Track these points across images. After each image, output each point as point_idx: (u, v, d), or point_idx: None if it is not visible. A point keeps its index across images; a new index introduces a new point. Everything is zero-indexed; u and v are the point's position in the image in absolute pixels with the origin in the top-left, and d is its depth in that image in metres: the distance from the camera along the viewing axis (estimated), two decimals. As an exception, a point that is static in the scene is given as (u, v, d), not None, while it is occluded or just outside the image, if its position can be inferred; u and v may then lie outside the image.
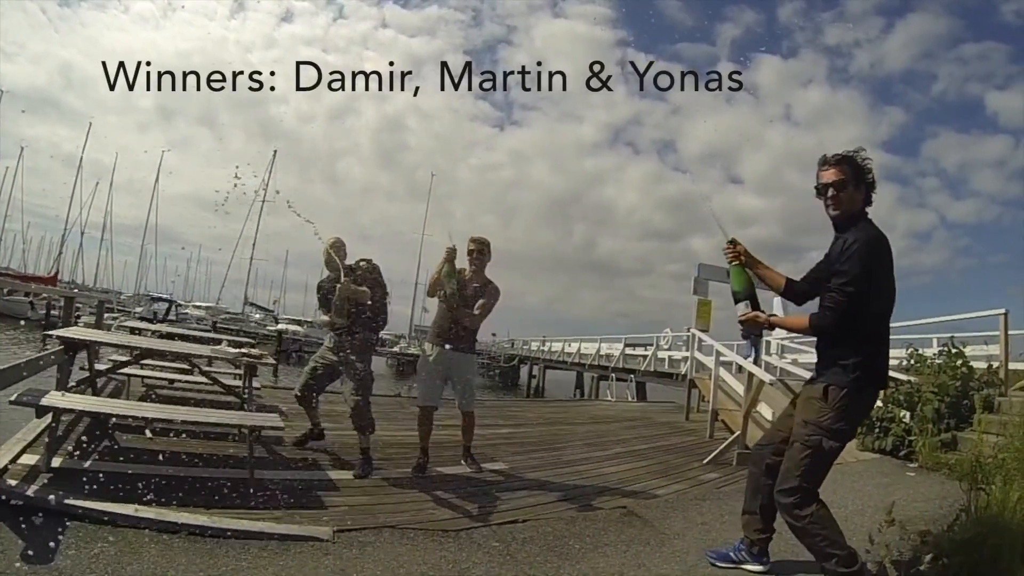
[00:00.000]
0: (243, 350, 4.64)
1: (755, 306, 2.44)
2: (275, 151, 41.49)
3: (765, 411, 5.98)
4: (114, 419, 3.65)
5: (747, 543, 2.63)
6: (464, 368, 4.17)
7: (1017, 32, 46.98)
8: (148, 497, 2.78)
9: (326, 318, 4.20)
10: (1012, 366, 6.47)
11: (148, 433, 3.90)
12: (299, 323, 35.34)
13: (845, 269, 2.21)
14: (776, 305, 12.66)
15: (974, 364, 5.94)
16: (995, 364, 6.42)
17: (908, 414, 5.32)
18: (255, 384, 4.86)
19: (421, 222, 43.58)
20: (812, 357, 8.93)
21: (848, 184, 2.34)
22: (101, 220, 40.40)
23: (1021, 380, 6.68)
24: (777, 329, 13.41)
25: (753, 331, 2.71)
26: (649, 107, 73.23)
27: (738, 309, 2.44)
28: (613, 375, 17.84)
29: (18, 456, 3.09)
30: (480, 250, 4.19)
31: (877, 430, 5.45)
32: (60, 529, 2.39)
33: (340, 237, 4.15)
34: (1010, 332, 6.98)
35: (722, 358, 7.45)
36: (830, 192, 2.36)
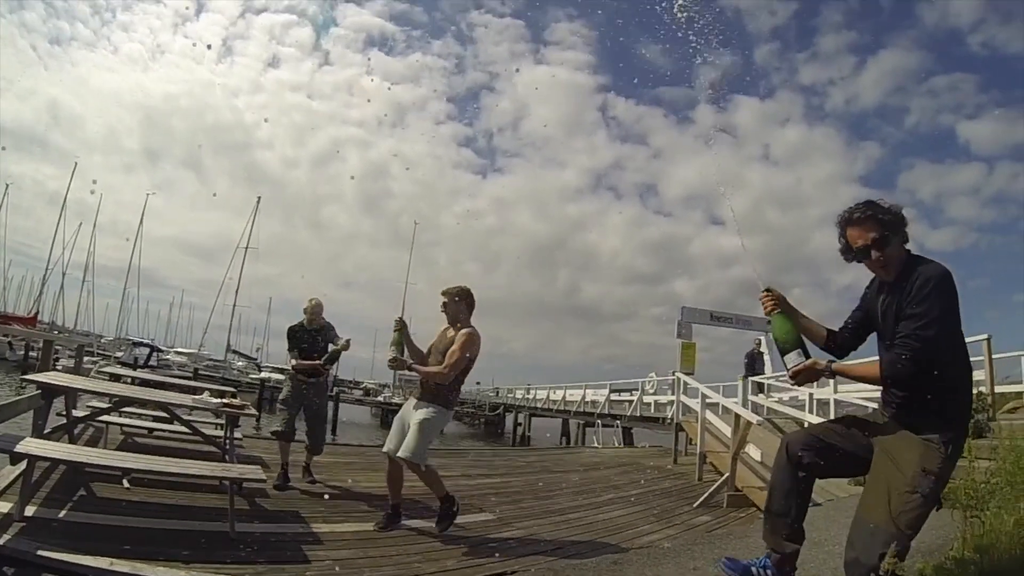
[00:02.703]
0: (225, 400, 4.55)
1: (807, 354, 2.13)
2: (259, 197, 41.86)
3: (754, 452, 5.96)
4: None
5: (775, 559, 2.21)
6: (416, 414, 3.70)
7: (984, 62, 49.47)
8: (124, 550, 2.68)
9: (306, 363, 4.84)
10: (998, 389, 6.56)
11: (125, 483, 3.77)
12: (282, 371, 34.63)
13: (919, 312, 1.94)
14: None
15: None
16: (982, 389, 6.51)
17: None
18: (236, 434, 4.76)
19: (404, 269, 43.56)
20: (802, 396, 8.96)
21: (890, 237, 2.06)
22: (84, 260, 39.43)
23: (1008, 403, 6.75)
24: (764, 371, 13.31)
25: (808, 382, 2.34)
26: (631, 151, 75.28)
27: (788, 361, 2.12)
28: (599, 421, 17.66)
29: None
30: (445, 303, 3.86)
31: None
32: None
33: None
34: (994, 356, 7.11)
35: (708, 400, 7.47)
36: (874, 255, 2.07)
